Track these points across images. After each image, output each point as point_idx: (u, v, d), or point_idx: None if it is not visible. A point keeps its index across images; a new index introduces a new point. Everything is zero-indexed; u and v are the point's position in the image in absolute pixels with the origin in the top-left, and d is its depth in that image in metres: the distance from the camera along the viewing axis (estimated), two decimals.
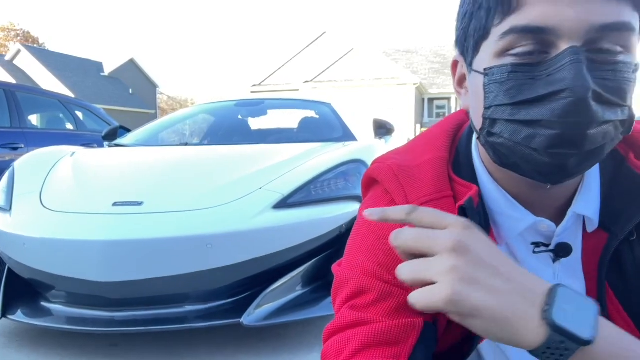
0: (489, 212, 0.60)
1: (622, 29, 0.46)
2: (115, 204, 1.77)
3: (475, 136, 0.63)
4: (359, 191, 1.99)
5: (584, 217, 0.58)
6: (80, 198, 1.88)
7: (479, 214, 0.56)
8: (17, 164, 2.25)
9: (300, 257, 1.84)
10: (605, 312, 0.55)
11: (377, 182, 0.65)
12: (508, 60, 0.50)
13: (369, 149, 2.37)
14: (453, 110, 24.12)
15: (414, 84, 20.53)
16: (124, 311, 1.72)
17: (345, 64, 21.21)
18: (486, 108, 0.52)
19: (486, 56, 0.52)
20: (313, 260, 1.88)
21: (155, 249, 1.63)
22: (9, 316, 1.77)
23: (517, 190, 0.58)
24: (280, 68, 22.70)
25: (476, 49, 0.54)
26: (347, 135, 2.92)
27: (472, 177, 0.61)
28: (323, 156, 2.21)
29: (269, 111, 3.72)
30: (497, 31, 0.50)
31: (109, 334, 1.87)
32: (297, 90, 21.04)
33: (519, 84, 0.49)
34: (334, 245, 1.92)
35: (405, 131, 18.78)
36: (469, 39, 0.55)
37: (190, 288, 1.74)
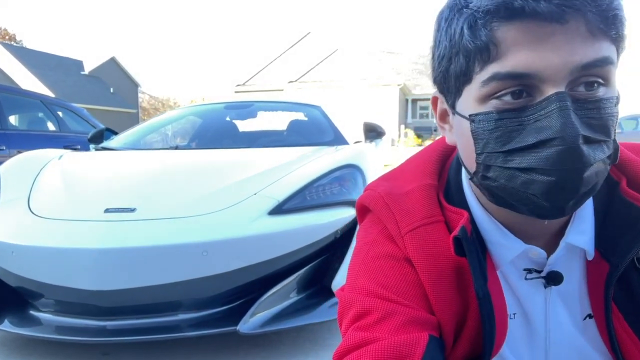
0: (483, 238, 0.61)
1: (603, 64, 0.47)
2: (107, 211, 1.74)
3: (465, 171, 0.64)
4: (354, 196, 1.99)
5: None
6: (71, 204, 1.84)
7: (473, 242, 0.56)
8: (3, 168, 2.19)
9: (295, 263, 1.83)
10: (612, 333, 0.57)
11: (370, 210, 0.67)
12: (492, 105, 0.49)
13: (362, 153, 2.37)
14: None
15: (398, 85, 20.66)
16: (116, 320, 1.69)
17: (329, 64, 21.24)
18: (478, 154, 0.52)
19: (469, 100, 0.52)
20: (308, 266, 1.87)
21: (149, 257, 1.61)
22: None
23: (508, 219, 0.59)
24: (264, 68, 22.63)
25: (458, 92, 0.54)
26: (338, 139, 2.91)
27: (463, 204, 0.62)
28: (317, 161, 2.20)
29: (257, 113, 3.70)
30: (478, 78, 0.50)
31: (101, 343, 1.83)
32: (282, 90, 20.99)
33: (508, 131, 0.49)
34: (329, 250, 1.92)
35: (390, 132, 18.89)
36: (449, 81, 0.54)
37: (184, 296, 1.71)
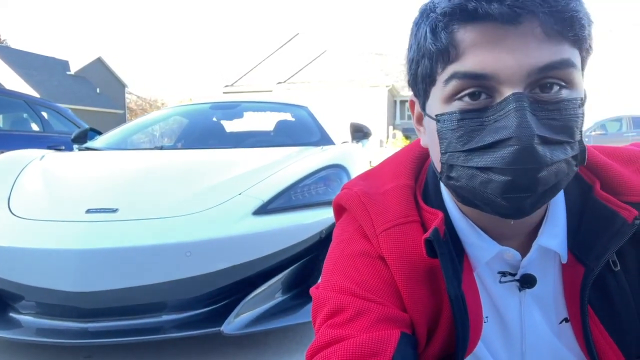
0: (460, 239, 0.61)
1: (562, 67, 0.48)
2: (88, 211, 1.71)
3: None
4: None
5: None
6: (52, 205, 1.81)
7: (447, 243, 0.57)
8: None
9: (280, 263, 1.82)
10: (589, 336, 0.57)
11: (346, 208, 0.67)
12: (456, 106, 0.51)
13: (349, 153, 2.37)
14: None
15: (387, 86, 20.73)
16: (98, 322, 1.66)
17: (318, 65, 21.24)
18: (442, 153, 0.53)
19: (436, 101, 0.54)
20: (293, 267, 1.86)
21: (131, 258, 1.59)
22: None
23: (483, 220, 0.59)
24: (253, 69, 22.57)
25: (426, 94, 0.56)
26: (324, 139, 2.91)
27: (440, 205, 0.63)
28: (302, 161, 2.20)
29: (244, 114, 3.69)
30: (441, 78, 0.52)
31: (82, 345, 1.80)
32: (270, 91, 20.95)
33: (469, 131, 0.50)
34: (314, 250, 1.91)
35: (378, 133, 18.95)
36: (419, 84, 0.57)
37: (167, 297, 1.69)
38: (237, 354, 1.83)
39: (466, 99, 0.50)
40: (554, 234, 0.58)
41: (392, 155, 0.73)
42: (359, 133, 3.17)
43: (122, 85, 34.53)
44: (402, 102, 25.02)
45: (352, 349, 0.51)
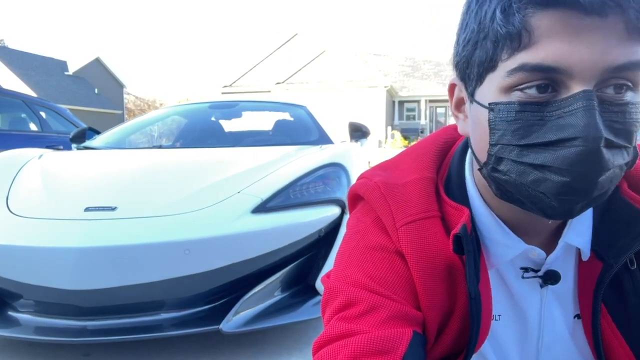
0: (479, 237, 0.59)
1: (635, 68, 0.45)
2: (87, 209, 1.71)
3: (469, 159, 0.63)
4: (338, 195, 1.99)
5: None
6: (50, 203, 1.81)
7: (472, 240, 0.55)
8: None
9: (279, 261, 1.82)
10: (599, 335, 0.57)
11: (363, 198, 0.65)
12: (515, 97, 0.47)
13: (347, 152, 2.37)
14: (422, 114, 24.51)
15: (385, 87, 20.76)
16: (96, 320, 1.66)
17: (317, 65, 21.26)
18: (492, 145, 0.50)
19: (491, 89, 0.50)
20: (292, 265, 1.87)
21: (130, 256, 1.59)
22: None
23: (511, 217, 0.58)
24: (251, 69, 22.58)
25: (480, 79, 0.51)
26: (323, 138, 2.92)
27: (464, 200, 0.60)
28: (301, 159, 2.20)
29: (242, 113, 3.69)
30: (505, 66, 0.47)
31: (81, 344, 1.80)
32: (269, 92, 20.96)
33: (527, 125, 0.47)
34: (313, 249, 1.91)
35: (377, 133, 18.97)
36: (472, 68, 0.52)
37: (166, 295, 1.70)
38: (236, 351, 1.83)
39: (530, 90, 0.46)
40: (580, 231, 0.57)
41: (411, 146, 0.70)
42: (358, 132, 3.17)
43: (121, 86, 34.50)
44: (401, 103, 25.04)
45: (362, 344, 0.49)
